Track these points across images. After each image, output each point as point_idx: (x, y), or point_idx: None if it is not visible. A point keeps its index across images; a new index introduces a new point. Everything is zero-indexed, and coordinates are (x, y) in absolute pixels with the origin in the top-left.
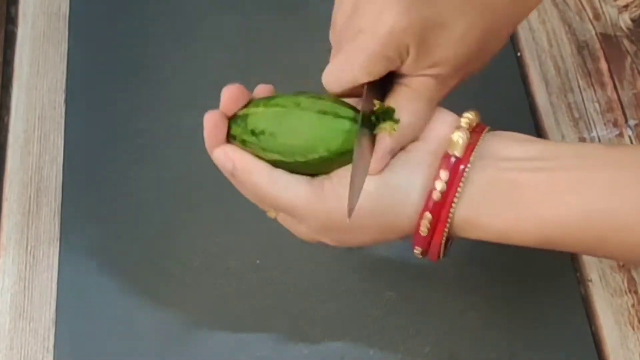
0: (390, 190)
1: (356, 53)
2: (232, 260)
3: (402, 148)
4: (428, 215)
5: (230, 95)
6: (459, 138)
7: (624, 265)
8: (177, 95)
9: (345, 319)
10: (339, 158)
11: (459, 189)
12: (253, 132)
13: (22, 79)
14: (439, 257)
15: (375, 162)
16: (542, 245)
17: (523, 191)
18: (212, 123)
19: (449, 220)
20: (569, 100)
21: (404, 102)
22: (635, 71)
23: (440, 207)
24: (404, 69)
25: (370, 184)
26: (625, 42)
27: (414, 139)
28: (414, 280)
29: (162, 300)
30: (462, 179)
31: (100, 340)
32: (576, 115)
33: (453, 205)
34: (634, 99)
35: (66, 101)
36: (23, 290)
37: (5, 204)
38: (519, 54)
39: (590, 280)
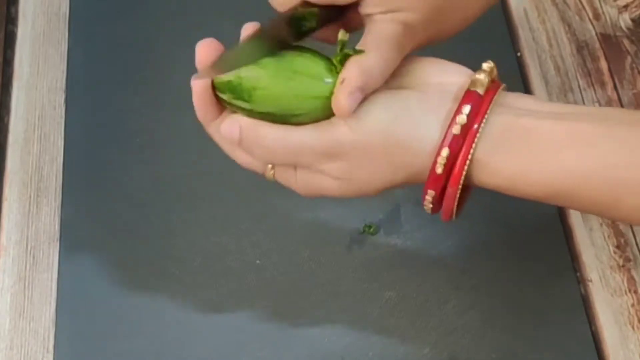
0: (405, 125)
1: None
2: (232, 260)
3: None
4: (446, 150)
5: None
6: (483, 78)
7: (624, 265)
8: (177, 95)
9: (345, 319)
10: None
11: (481, 126)
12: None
13: (22, 79)
14: (451, 213)
15: (344, 98)
16: (550, 198)
17: (537, 139)
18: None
19: (467, 161)
20: (569, 100)
21: (372, 44)
22: (635, 71)
23: (459, 144)
24: (368, 7)
25: (382, 118)
26: (625, 42)
27: (382, 84)
28: (414, 280)
29: (161, 300)
30: (485, 117)
31: (100, 340)
32: None
33: (474, 142)
34: (634, 99)
35: (66, 101)
36: (23, 290)
37: (5, 204)
38: (519, 54)
39: (590, 280)
